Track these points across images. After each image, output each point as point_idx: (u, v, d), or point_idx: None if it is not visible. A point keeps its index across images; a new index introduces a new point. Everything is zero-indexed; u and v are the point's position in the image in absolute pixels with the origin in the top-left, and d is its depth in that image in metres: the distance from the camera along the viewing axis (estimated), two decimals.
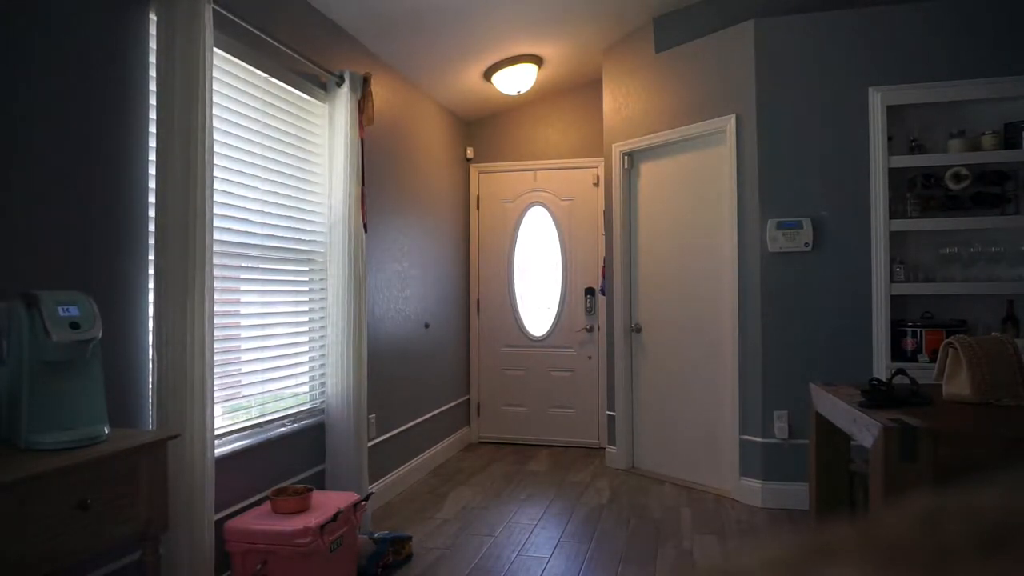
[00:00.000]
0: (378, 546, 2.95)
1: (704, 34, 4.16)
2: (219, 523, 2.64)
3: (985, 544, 0.20)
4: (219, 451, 2.66)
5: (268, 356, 3.01)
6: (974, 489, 0.23)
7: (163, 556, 2.24)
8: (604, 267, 4.94)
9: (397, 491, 4.17)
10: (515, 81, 4.68)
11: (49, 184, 2.02)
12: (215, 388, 2.60)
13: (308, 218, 3.32)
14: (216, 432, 2.65)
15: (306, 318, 3.31)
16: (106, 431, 1.80)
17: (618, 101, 4.69)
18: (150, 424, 2.35)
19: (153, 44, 2.40)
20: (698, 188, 4.23)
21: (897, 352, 3.66)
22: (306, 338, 3.31)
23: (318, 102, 3.41)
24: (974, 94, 3.57)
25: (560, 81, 5.21)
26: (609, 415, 4.76)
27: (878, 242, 3.65)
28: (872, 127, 3.67)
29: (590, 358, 5.34)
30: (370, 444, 3.84)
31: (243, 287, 2.87)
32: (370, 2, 3.46)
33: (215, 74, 2.66)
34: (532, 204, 5.50)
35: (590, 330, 5.34)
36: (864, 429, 2.02)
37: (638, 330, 4.61)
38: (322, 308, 3.42)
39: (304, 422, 3.24)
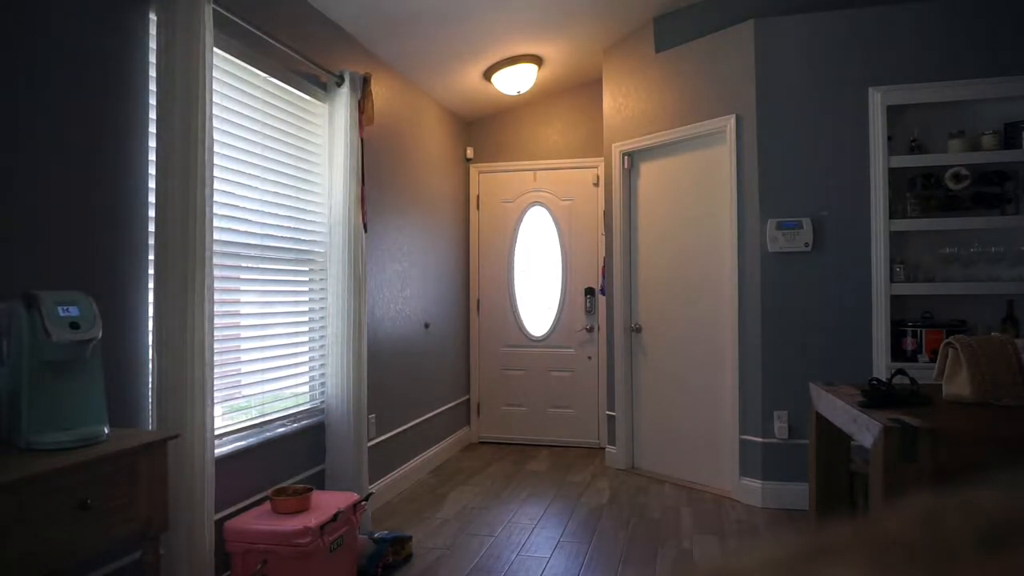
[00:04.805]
0: (378, 546, 2.95)
1: (704, 34, 4.16)
2: (219, 523, 2.64)
3: (985, 544, 0.20)
4: (219, 451, 2.66)
5: (268, 356, 3.01)
6: (974, 489, 0.23)
7: (163, 556, 2.24)
8: (604, 267, 4.94)
9: (397, 491, 4.17)
10: (515, 81, 4.68)
11: (49, 184, 2.02)
12: (215, 388, 2.60)
13: (308, 218, 3.32)
14: (216, 432, 2.65)
15: (306, 318, 3.31)
16: (106, 431, 1.80)
17: (618, 101, 4.69)
18: (150, 424, 2.35)
19: (153, 44, 2.40)
20: (698, 188, 4.23)
21: (897, 352, 3.66)
22: (306, 338, 3.31)
23: (318, 102, 3.41)
24: (974, 94, 3.57)
25: (560, 81, 5.21)
26: (609, 415, 4.76)
27: (878, 242, 3.65)
28: (872, 127, 3.67)
29: (590, 358, 5.34)
30: (370, 444, 3.84)
31: (243, 287, 2.87)
32: (370, 2, 3.46)
33: (215, 74, 2.66)
34: (532, 204, 5.50)
35: (590, 330, 5.34)
36: (864, 429, 2.02)
37: (638, 330, 4.61)
38: (322, 308, 3.42)
39: (304, 422, 3.24)
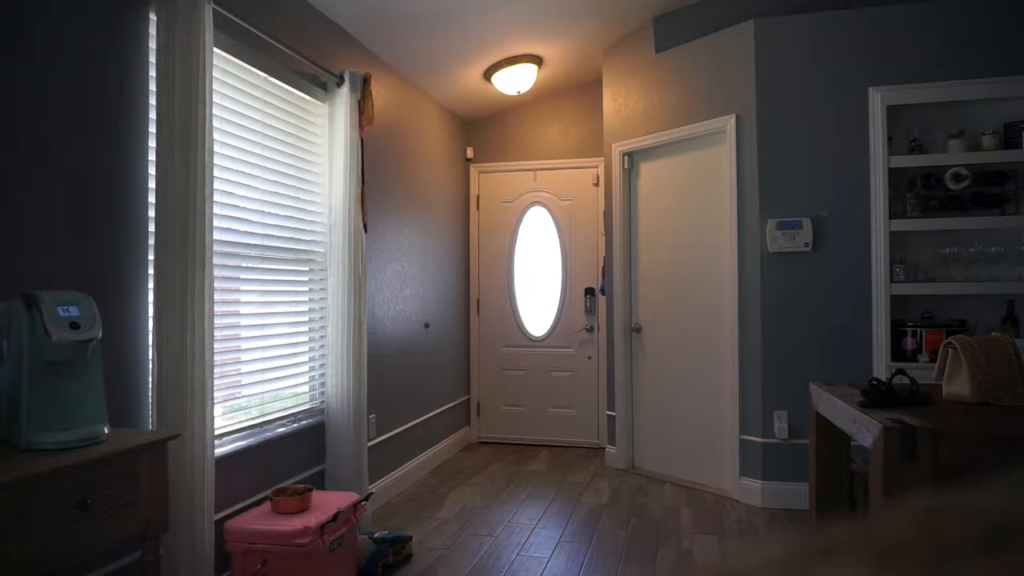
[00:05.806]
0: (378, 546, 2.95)
1: (704, 34, 4.16)
2: (219, 523, 2.64)
3: (985, 544, 0.20)
4: (219, 451, 2.66)
5: (268, 356, 3.01)
6: (974, 489, 0.23)
7: (163, 556, 2.24)
8: (604, 267, 4.94)
9: (397, 491, 4.17)
10: (515, 81, 4.68)
11: (49, 184, 2.02)
12: (215, 388, 2.60)
13: (308, 218, 3.32)
14: (216, 432, 2.65)
15: (306, 318, 3.31)
16: (106, 431, 1.80)
17: (618, 101, 4.69)
18: (150, 424, 2.35)
19: (153, 44, 2.40)
20: (698, 188, 4.23)
21: (897, 352, 3.66)
22: (306, 338, 3.31)
23: (318, 102, 3.41)
24: (974, 94, 3.57)
25: (560, 81, 5.21)
26: (609, 415, 4.76)
27: (878, 242, 3.65)
28: (872, 127, 3.67)
29: (590, 358, 5.34)
30: (370, 444, 3.84)
31: (243, 287, 2.87)
32: (370, 2, 3.46)
33: (215, 74, 2.66)
34: (532, 204, 5.50)
35: (590, 330, 5.34)
36: (864, 429, 2.02)
37: (638, 330, 4.61)
38: (322, 308, 3.42)
39: (304, 422, 3.24)
